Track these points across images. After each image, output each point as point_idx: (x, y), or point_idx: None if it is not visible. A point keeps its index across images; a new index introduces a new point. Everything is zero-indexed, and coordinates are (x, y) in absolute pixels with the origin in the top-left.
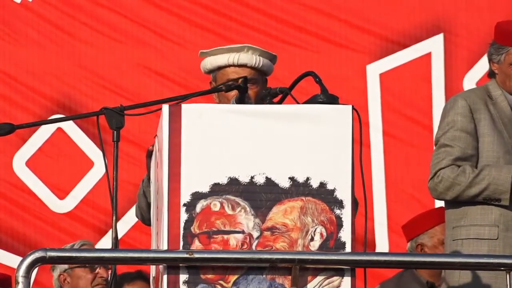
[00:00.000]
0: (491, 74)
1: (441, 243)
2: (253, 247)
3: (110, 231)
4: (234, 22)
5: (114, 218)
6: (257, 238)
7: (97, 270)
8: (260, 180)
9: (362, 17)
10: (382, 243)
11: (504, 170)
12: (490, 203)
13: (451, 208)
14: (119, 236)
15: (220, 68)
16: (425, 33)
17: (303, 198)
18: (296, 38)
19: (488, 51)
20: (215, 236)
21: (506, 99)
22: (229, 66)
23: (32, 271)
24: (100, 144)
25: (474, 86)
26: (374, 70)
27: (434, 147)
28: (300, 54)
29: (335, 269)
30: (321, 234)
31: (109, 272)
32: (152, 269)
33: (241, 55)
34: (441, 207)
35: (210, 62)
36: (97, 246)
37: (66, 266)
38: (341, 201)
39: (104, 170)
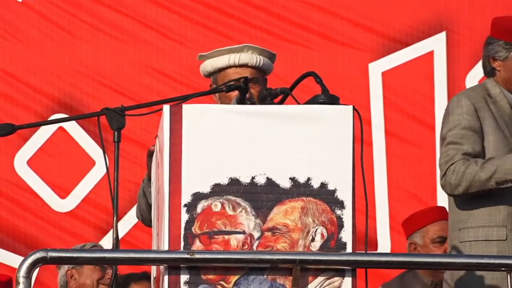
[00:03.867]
0: (489, 73)
1: (432, 242)
2: (254, 247)
3: (112, 231)
4: (236, 21)
5: (115, 218)
6: (258, 238)
7: (107, 270)
8: (261, 180)
9: (364, 15)
10: (384, 242)
11: (511, 155)
12: (504, 186)
13: (456, 209)
14: (121, 236)
15: (221, 69)
16: (427, 32)
17: (304, 198)
18: (298, 37)
19: (489, 48)
20: (216, 236)
21: (506, 98)
22: (230, 67)
23: (33, 272)
24: (101, 145)
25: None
26: (376, 69)
27: (440, 146)
28: (302, 52)
29: (336, 270)
30: (322, 235)
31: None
32: (153, 270)
33: (241, 55)
34: (437, 207)
35: (211, 64)
36: None
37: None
38: (342, 201)
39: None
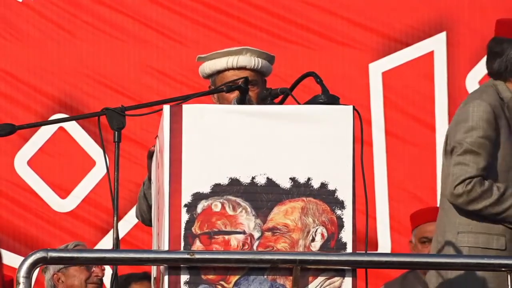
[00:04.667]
0: (502, 75)
1: (420, 242)
2: (254, 247)
3: (112, 231)
4: (236, 21)
5: (115, 218)
6: (258, 238)
7: (93, 269)
8: (261, 180)
9: (364, 15)
10: (384, 242)
11: None
12: (504, 224)
13: (453, 211)
14: (121, 235)
15: (219, 72)
16: (427, 32)
17: (304, 198)
18: (298, 37)
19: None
20: (216, 236)
21: None
22: (228, 69)
23: (33, 272)
24: (101, 145)
25: (476, 84)
26: (377, 69)
27: (454, 150)
28: (302, 52)
29: (336, 270)
30: (322, 235)
31: (104, 272)
32: (153, 270)
33: (239, 58)
34: (435, 207)
35: (209, 66)
36: (99, 245)
37: (60, 265)
38: (342, 201)
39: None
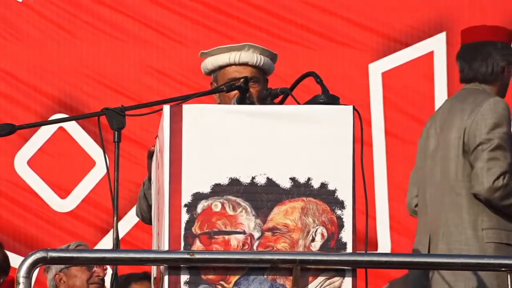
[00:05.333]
0: (487, 80)
1: None
2: (254, 247)
3: (112, 231)
4: (236, 21)
5: (115, 218)
6: (258, 238)
7: (94, 269)
8: (261, 180)
9: (364, 15)
10: (384, 242)
11: None
12: None
13: (478, 208)
14: (121, 235)
15: (221, 67)
16: (427, 32)
17: (304, 198)
18: (298, 37)
19: (504, 53)
20: (216, 236)
21: None
22: (230, 65)
23: (33, 272)
24: (101, 145)
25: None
26: (376, 69)
27: (479, 145)
28: (302, 52)
29: (336, 270)
30: (322, 235)
31: (106, 271)
32: (153, 270)
33: (242, 54)
34: None
35: (211, 62)
36: (99, 245)
37: (62, 265)
38: (342, 201)
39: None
